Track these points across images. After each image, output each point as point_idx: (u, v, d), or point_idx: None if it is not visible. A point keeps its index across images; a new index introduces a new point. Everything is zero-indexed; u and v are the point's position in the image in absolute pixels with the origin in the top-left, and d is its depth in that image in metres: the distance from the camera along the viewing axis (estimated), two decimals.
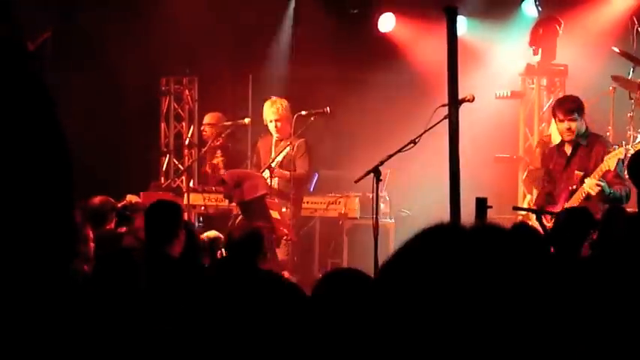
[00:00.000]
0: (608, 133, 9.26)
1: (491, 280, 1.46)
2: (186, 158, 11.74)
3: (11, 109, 2.20)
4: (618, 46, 9.65)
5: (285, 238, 8.58)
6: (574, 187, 7.34)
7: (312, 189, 10.19)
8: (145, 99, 11.85)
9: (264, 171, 8.96)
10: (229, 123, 10.26)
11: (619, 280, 4.06)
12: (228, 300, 4.59)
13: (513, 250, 1.51)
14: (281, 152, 9.11)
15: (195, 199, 9.76)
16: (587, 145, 7.44)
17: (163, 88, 11.86)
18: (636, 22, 10.10)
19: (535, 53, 10.36)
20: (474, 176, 8.05)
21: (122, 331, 4.26)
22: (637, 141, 9.14)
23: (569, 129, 7.40)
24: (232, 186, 8.30)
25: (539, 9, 10.62)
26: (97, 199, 7.24)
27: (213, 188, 9.77)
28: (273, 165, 9.00)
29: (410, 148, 6.93)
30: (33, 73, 2.25)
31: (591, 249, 5.26)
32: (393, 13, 11.54)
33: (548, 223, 7.05)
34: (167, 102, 11.85)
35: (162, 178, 11.50)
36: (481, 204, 4.96)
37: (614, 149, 7.31)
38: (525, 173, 10.03)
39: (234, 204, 8.71)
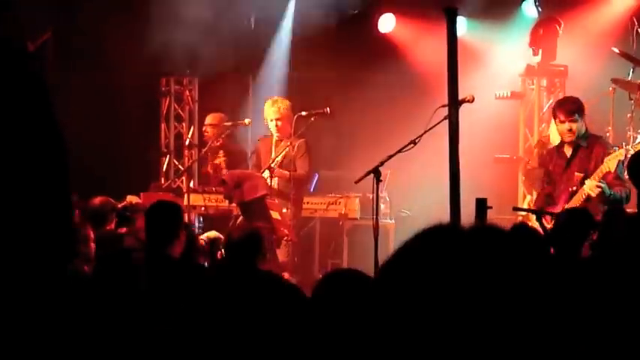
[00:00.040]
0: (608, 134, 9.26)
1: (489, 280, 1.46)
2: (187, 159, 11.74)
3: (9, 109, 2.20)
4: (618, 46, 9.65)
5: (285, 238, 8.58)
6: (574, 188, 7.33)
7: (312, 189, 10.19)
8: (145, 99, 11.85)
9: (264, 171, 8.96)
10: (229, 123, 10.26)
11: (619, 280, 4.06)
12: (227, 301, 4.59)
13: (512, 250, 1.51)
14: (281, 152, 9.10)
15: (196, 199, 9.76)
16: (587, 147, 7.43)
17: (163, 89, 11.87)
18: (636, 23, 10.10)
19: (535, 54, 10.36)
20: (474, 177, 8.05)
21: (122, 331, 4.26)
22: (637, 141, 9.13)
23: (570, 130, 7.39)
24: (232, 186, 8.30)
25: (539, 9, 10.62)
26: (97, 200, 7.24)
27: (214, 189, 9.78)
28: (273, 165, 8.99)
29: (410, 149, 6.92)
30: (31, 72, 2.24)
31: (591, 250, 5.26)
32: (393, 13, 11.55)
33: (549, 223, 7.05)
34: (167, 102, 11.85)
35: (163, 179, 11.50)
36: (481, 204, 4.96)
37: (615, 150, 7.30)
38: (522, 173, 10.04)
39: (234, 204, 8.71)
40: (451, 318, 1.44)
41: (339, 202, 10.02)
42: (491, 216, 5.30)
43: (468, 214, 4.89)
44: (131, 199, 7.85)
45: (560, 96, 9.75)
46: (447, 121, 5.13)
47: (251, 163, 9.81)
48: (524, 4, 10.75)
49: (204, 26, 10.59)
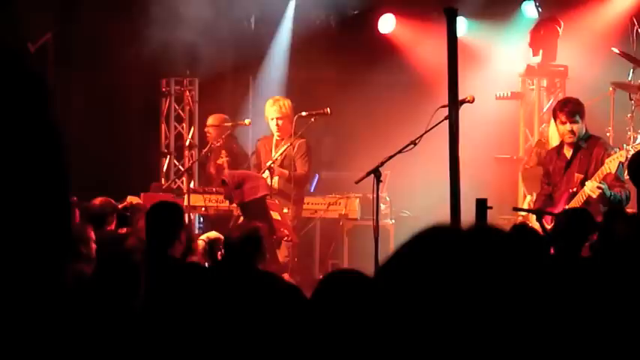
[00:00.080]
0: (608, 134, 9.26)
1: (488, 280, 1.46)
2: (187, 159, 11.75)
3: (8, 108, 2.20)
4: (618, 46, 9.65)
5: (285, 239, 8.58)
6: (574, 189, 7.33)
7: (312, 190, 10.19)
8: (146, 100, 11.85)
9: (264, 171, 8.95)
10: (230, 124, 10.26)
11: (619, 281, 4.06)
12: (225, 301, 4.60)
13: (511, 251, 1.51)
14: (281, 152, 9.09)
15: (196, 200, 9.76)
16: (587, 148, 7.43)
17: (164, 89, 11.87)
18: (636, 23, 10.10)
19: (535, 54, 10.36)
20: (475, 177, 8.05)
21: (123, 332, 4.26)
22: (637, 142, 9.14)
23: (571, 131, 7.38)
24: (233, 187, 8.30)
25: (539, 10, 10.62)
26: (97, 201, 7.24)
27: (214, 189, 9.78)
28: (271, 164, 8.98)
29: (410, 149, 6.92)
30: (31, 72, 2.24)
31: (591, 250, 5.26)
32: (393, 14, 11.55)
33: (549, 224, 7.05)
34: (167, 103, 11.85)
35: (163, 179, 11.50)
36: (481, 205, 4.96)
37: (615, 152, 7.30)
38: (520, 172, 10.05)
39: (234, 205, 8.71)
40: (450, 318, 1.44)
41: (340, 203, 10.02)
42: (492, 216, 5.30)
43: (468, 215, 4.90)
44: (131, 199, 7.85)
45: (560, 96, 9.75)
46: (447, 121, 5.14)
47: (251, 163, 9.80)
48: (524, 5, 10.76)
49: (205, 27, 10.60)
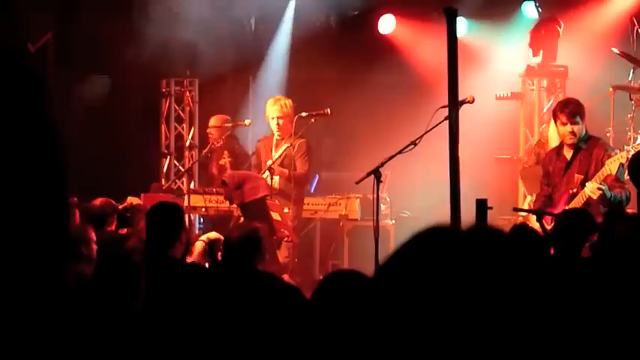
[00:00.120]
0: (608, 135, 9.25)
1: (487, 281, 1.46)
2: (187, 160, 11.75)
3: (5, 108, 2.20)
4: (618, 47, 9.65)
5: (285, 240, 8.57)
6: (574, 190, 7.32)
7: (312, 190, 10.19)
8: (146, 100, 11.86)
9: (264, 172, 8.95)
10: (230, 125, 10.26)
11: (619, 281, 4.06)
12: (224, 302, 4.60)
13: (510, 251, 1.51)
14: (281, 151, 9.08)
15: (196, 200, 9.76)
16: (587, 149, 7.42)
17: (164, 90, 11.87)
18: (636, 23, 10.09)
19: (535, 54, 10.36)
20: (475, 177, 8.05)
21: (123, 333, 4.26)
22: (637, 142, 9.14)
23: (571, 132, 7.37)
24: (233, 188, 8.30)
25: (539, 10, 10.62)
26: (97, 201, 7.24)
27: (214, 190, 9.78)
28: (272, 164, 8.98)
29: (410, 150, 6.92)
30: (29, 72, 2.25)
31: (591, 251, 5.26)
32: (393, 14, 11.55)
33: (549, 225, 7.05)
34: (167, 104, 11.85)
35: (163, 180, 11.50)
36: (481, 205, 4.97)
37: (615, 153, 7.29)
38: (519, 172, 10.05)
39: (235, 206, 8.71)
40: (449, 319, 1.44)
41: (340, 203, 10.03)
42: (492, 217, 5.30)
43: (468, 215, 4.90)
44: (132, 200, 7.85)
45: (561, 97, 9.75)
46: (447, 121, 5.14)
47: (252, 164, 9.80)
48: (524, 5, 10.76)
49: (205, 27, 10.60)
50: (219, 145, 10.21)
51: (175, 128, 11.86)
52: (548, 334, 1.48)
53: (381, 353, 1.47)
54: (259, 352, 3.88)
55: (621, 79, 9.61)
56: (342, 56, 11.56)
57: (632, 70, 9.52)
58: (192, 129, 11.81)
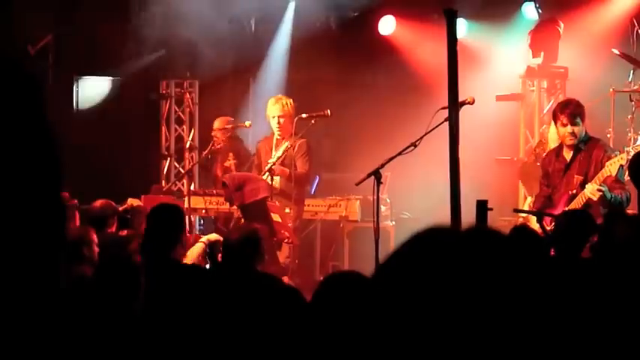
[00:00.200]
0: (608, 135, 9.25)
1: (485, 282, 1.46)
2: (187, 161, 11.76)
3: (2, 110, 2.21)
4: (618, 48, 9.65)
5: (286, 241, 8.57)
6: (574, 191, 7.32)
7: (313, 191, 10.19)
8: (146, 102, 11.86)
9: (265, 173, 8.95)
10: (230, 126, 10.26)
11: (620, 282, 4.06)
12: (224, 303, 4.59)
13: (509, 252, 1.51)
14: (281, 151, 9.07)
15: (196, 202, 9.76)
16: (587, 150, 7.41)
17: (164, 92, 11.87)
18: (636, 24, 10.10)
19: (535, 55, 10.36)
20: (475, 178, 8.05)
21: (123, 334, 4.26)
22: (637, 143, 9.13)
23: (572, 133, 7.36)
24: (233, 189, 8.29)
25: (539, 11, 10.62)
26: (98, 203, 7.25)
27: (215, 191, 9.78)
28: (272, 164, 8.97)
29: (410, 151, 6.92)
30: (22, 75, 2.25)
31: (592, 252, 5.26)
32: (394, 15, 11.56)
33: (549, 226, 7.04)
34: (168, 105, 11.86)
35: (163, 182, 11.50)
36: (482, 206, 4.96)
37: (615, 155, 7.28)
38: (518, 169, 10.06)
39: (235, 207, 8.71)
40: (448, 319, 1.44)
41: (340, 205, 10.03)
42: (492, 218, 5.30)
43: (468, 216, 4.90)
44: (132, 201, 7.85)
45: (561, 97, 9.74)
46: (447, 123, 5.14)
47: (252, 164, 9.79)
48: (524, 6, 10.76)
49: (205, 29, 10.60)
50: (219, 146, 10.21)
51: (175, 130, 11.87)
52: (549, 334, 1.48)
53: (380, 354, 1.46)
54: (259, 353, 3.88)
55: (621, 80, 9.61)
56: (342, 57, 11.57)
57: (632, 71, 9.52)
58: (193, 130, 11.82)
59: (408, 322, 1.45)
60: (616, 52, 9.51)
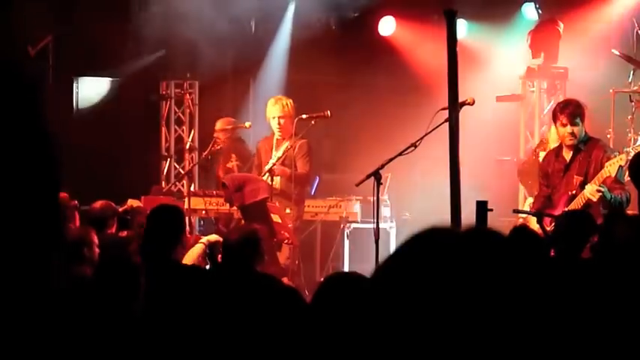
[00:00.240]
0: (608, 136, 9.25)
1: (485, 282, 1.46)
2: (187, 162, 11.75)
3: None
4: (618, 48, 9.65)
5: (286, 242, 8.56)
6: (573, 192, 7.31)
7: (313, 192, 10.19)
8: (146, 103, 11.86)
9: (265, 174, 8.94)
10: (230, 127, 10.26)
11: (620, 283, 4.06)
12: (223, 304, 4.59)
13: (508, 253, 1.51)
14: (281, 151, 9.07)
15: (196, 203, 9.75)
16: (586, 150, 7.40)
17: (164, 92, 11.87)
18: (636, 25, 10.10)
19: (534, 56, 10.36)
20: (475, 179, 8.05)
21: (123, 335, 4.26)
22: (637, 143, 9.13)
23: (571, 133, 7.35)
24: (233, 190, 8.29)
25: (539, 12, 10.62)
26: (98, 204, 7.25)
27: (214, 192, 9.77)
28: (273, 165, 8.96)
29: (410, 152, 6.92)
30: (20, 76, 2.25)
31: (592, 252, 5.25)
32: (394, 16, 11.56)
33: (549, 226, 7.04)
34: (167, 106, 11.85)
35: (163, 182, 11.50)
36: (482, 207, 4.96)
37: (615, 155, 7.27)
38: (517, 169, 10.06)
39: (235, 208, 8.70)
40: (447, 320, 1.44)
41: (340, 205, 10.02)
42: (492, 218, 5.30)
43: (468, 217, 4.89)
44: (132, 202, 7.85)
45: (561, 98, 9.73)
46: (447, 123, 5.13)
47: (252, 164, 9.78)
48: (524, 7, 10.76)
49: (205, 29, 10.60)
50: (219, 147, 10.20)
51: (175, 130, 11.87)
52: (549, 335, 1.48)
53: (380, 355, 1.46)
54: (259, 353, 3.88)
55: (621, 81, 9.61)
56: (343, 58, 11.56)
57: (632, 72, 9.52)
58: (192, 131, 11.81)
59: (408, 322, 1.45)
60: (616, 52, 9.51)
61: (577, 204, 7.20)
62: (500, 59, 10.92)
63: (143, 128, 11.72)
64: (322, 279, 7.12)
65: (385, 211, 9.73)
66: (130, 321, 4.42)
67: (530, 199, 8.54)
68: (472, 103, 6.87)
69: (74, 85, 11.58)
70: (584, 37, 10.49)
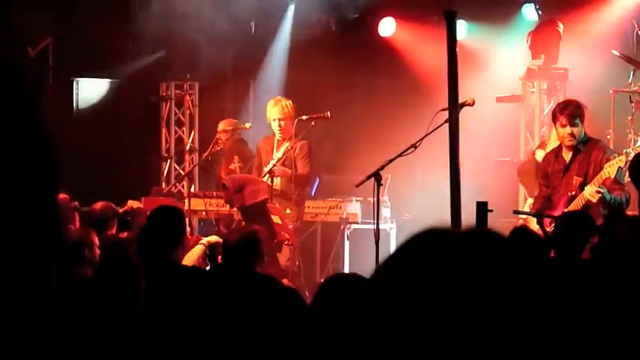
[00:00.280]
0: (608, 137, 9.24)
1: (485, 282, 1.46)
2: (187, 163, 11.76)
3: None
4: (618, 49, 9.65)
5: (286, 243, 8.56)
6: (573, 193, 7.31)
7: (313, 193, 10.18)
8: (146, 104, 11.86)
9: (265, 175, 8.94)
10: (230, 128, 10.26)
11: (620, 284, 4.06)
12: (223, 305, 4.59)
13: (508, 253, 1.51)
14: (282, 152, 9.07)
15: (197, 204, 9.75)
16: (586, 151, 7.40)
17: (164, 94, 11.87)
18: (636, 26, 10.10)
19: (534, 57, 10.37)
20: (475, 180, 8.05)
21: (123, 336, 4.26)
22: (637, 144, 9.13)
23: (571, 134, 7.35)
24: (233, 191, 8.29)
25: (539, 12, 10.62)
26: (98, 205, 7.25)
27: (215, 193, 9.77)
28: (273, 166, 8.96)
29: (410, 153, 6.92)
30: (16, 78, 2.25)
31: (592, 253, 5.26)
32: (394, 17, 11.56)
33: (549, 227, 7.04)
34: (167, 107, 11.86)
35: (164, 184, 11.51)
36: (482, 208, 4.96)
37: (614, 156, 7.27)
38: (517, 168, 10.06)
39: (235, 209, 8.70)
40: (446, 322, 1.44)
41: (340, 206, 10.02)
42: (492, 219, 5.30)
43: (468, 218, 4.89)
44: (132, 203, 7.86)
45: (561, 99, 9.73)
46: (447, 124, 5.13)
47: (253, 164, 9.78)
48: (524, 7, 10.76)
49: (205, 30, 10.60)
50: (220, 148, 10.20)
51: (175, 132, 11.87)
52: (549, 336, 1.48)
53: (380, 355, 1.46)
54: (259, 354, 3.88)
55: (621, 82, 9.61)
56: (343, 59, 11.56)
57: (632, 73, 9.52)
58: (193, 132, 11.82)
59: (408, 323, 1.45)
60: (616, 53, 9.51)
61: (577, 205, 7.20)
62: (500, 60, 10.92)
63: (143, 129, 11.72)
64: (322, 280, 7.13)
65: (385, 212, 9.72)
66: (131, 322, 4.42)
67: (531, 200, 8.54)
68: (472, 104, 6.87)
69: (74, 85, 11.59)
70: (584, 37, 10.49)
